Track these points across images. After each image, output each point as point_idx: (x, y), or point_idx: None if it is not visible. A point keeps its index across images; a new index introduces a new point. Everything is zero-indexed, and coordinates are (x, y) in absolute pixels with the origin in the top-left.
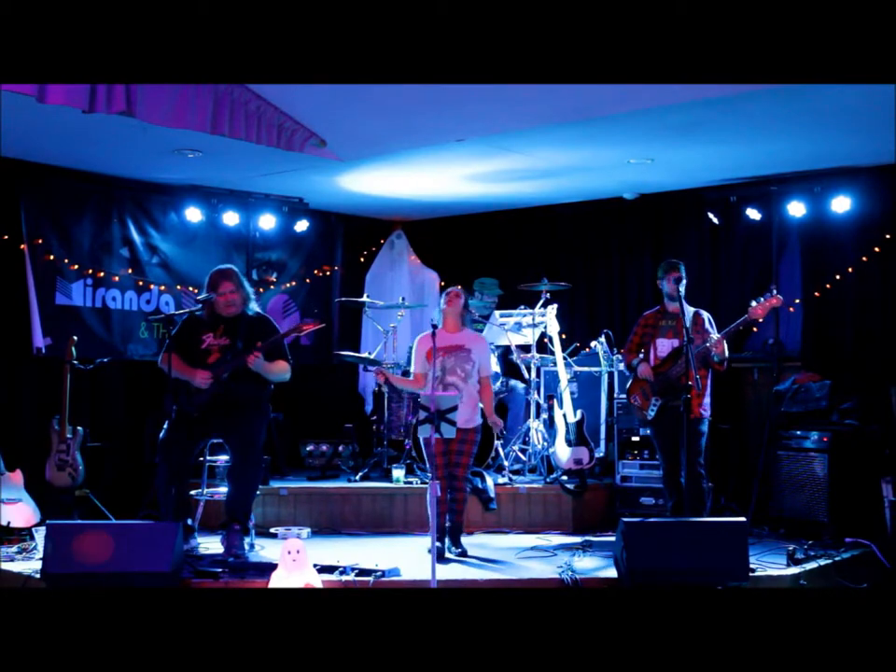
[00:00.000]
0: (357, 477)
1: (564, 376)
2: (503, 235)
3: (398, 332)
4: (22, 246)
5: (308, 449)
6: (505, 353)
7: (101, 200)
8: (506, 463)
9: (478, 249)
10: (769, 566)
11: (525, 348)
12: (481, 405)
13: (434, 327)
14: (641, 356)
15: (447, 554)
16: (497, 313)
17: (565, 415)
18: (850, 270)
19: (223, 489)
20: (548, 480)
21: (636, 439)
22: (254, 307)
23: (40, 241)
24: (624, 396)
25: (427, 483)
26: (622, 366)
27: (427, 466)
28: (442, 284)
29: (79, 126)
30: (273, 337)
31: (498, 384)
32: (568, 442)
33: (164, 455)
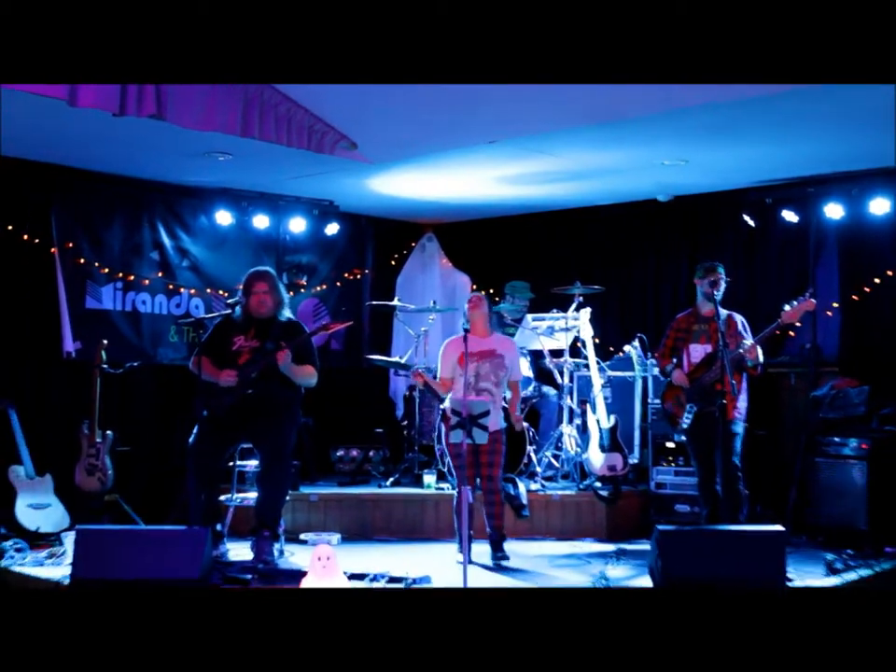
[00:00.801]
0: (388, 483)
1: (597, 381)
2: (535, 238)
3: (429, 336)
4: (53, 250)
5: (338, 454)
6: (537, 357)
7: (131, 203)
8: (538, 469)
9: (510, 252)
10: (807, 575)
11: (557, 353)
12: (504, 405)
13: (466, 331)
14: (675, 361)
15: (488, 561)
16: (529, 316)
17: (598, 421)
18: (889, 273)
19: (253, 494)
20: (581, 486)
21: (670, 445)
22: (287, 314)
23: (71, 245)
24: (659, 401)
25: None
26: (656, 370)
27: (454, 473)
28: (474, 287)
29: (109, 129)
30: (301, 336)
31: (531, 389)
32: (602, 448)
33: (194, 460)
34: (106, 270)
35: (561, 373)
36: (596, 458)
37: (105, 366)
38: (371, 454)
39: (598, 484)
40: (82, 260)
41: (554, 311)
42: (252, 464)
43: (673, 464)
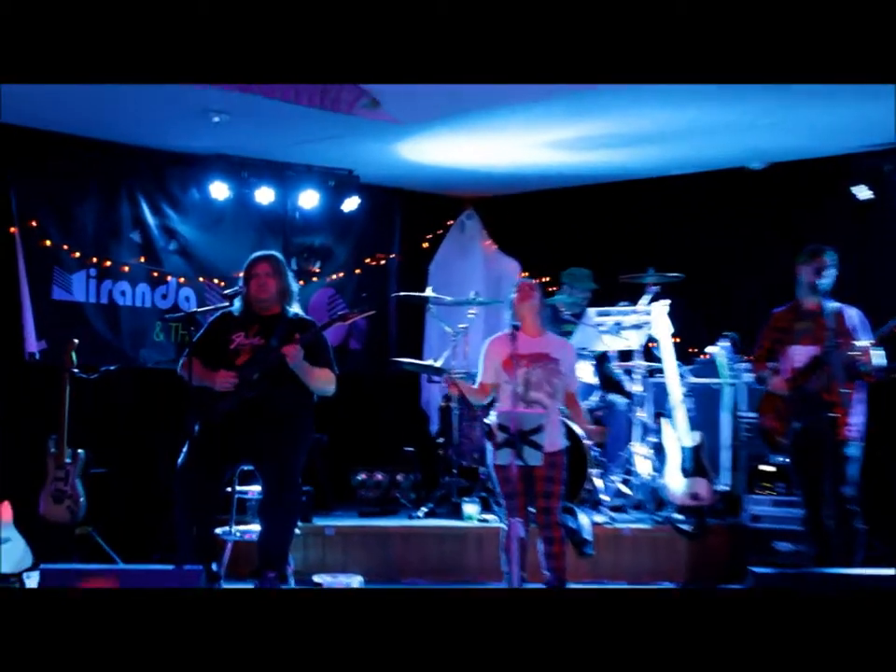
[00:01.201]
0: (421, 513)
1: (677, 390)
2: (598, 215)
3: (469, 335)
4: (12, 230)
5: (360, 478)
6: (601, 360)
7: (107, 173)
8: (605, 497)
9: (567, 233)
10: None
11: (626, 355)
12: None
13: (515, 328)
14: (773, 365)
15: None
16: (591, 311)
17: (678, 438)
18: None
19: (256, 527)
20: (657, 519)
21: (768, 468)
22: (296, 309)
23: (34, 223)
24: (753, 415)
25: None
26: (749, 377)
27: (502, 502)
28: (525, 275)
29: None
30: (313, 329)
31: (594, 399)
32: (683, 472)
33: (184, 485)
34: (77, 254)
35: (631, 380)
36: (676, 484)
37: (75, 370)
38: (399, 478)
39: (678, 516)
40: (48, 242)
41: (623, 304)
42: (255, 490)
43: (771, 492)
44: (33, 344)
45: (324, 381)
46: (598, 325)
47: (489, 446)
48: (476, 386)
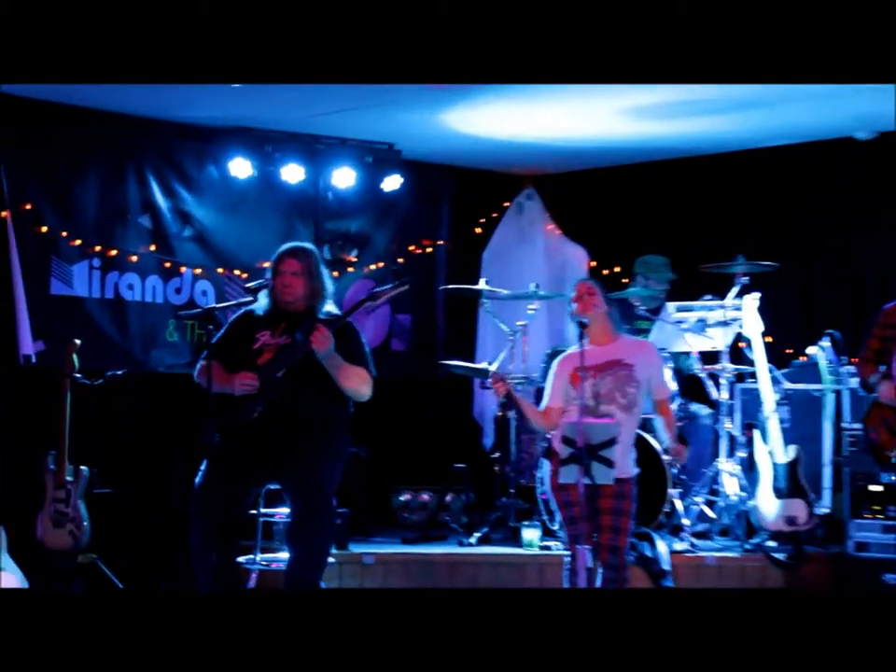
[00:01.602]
0: (473, 539)
1: (770, 397)
2: (679, 195)
3: (528, 333)
4: (3, 214)
5: (403, 499)
6: (682, 363)
7: (112, 149)
8: (686, 521)
9: (642, 215)
10: None
11: (711, 357)
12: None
13: (582, 326)
14: (882, 369)
15: None
16: (670, 305)
17: (771, 453)
18: None
19: (284, 555)
20: (747, 546)
21: (877, 488)
22: (330, 307)
23: (28, 206)
24: (859, 426)
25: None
26: (854, 382)
27: (566, 526)
28: (593, 264)
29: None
30: (342, 316)
31: (673, 408)
32: (777, 493)
33: (202, 507)
34: (79, 241)
35: (717, 385)
36: (769, 507)
37: (77, 375)
38: (448, 498)
39: (772, 543)
40: (45, 229)
41: (707, 297)
42: (283, 512)
43: (880, 516)
44: (28, 346)
45: (358, 381)
46: (678, 322)
47: (547, 464)
48: (542, 409)
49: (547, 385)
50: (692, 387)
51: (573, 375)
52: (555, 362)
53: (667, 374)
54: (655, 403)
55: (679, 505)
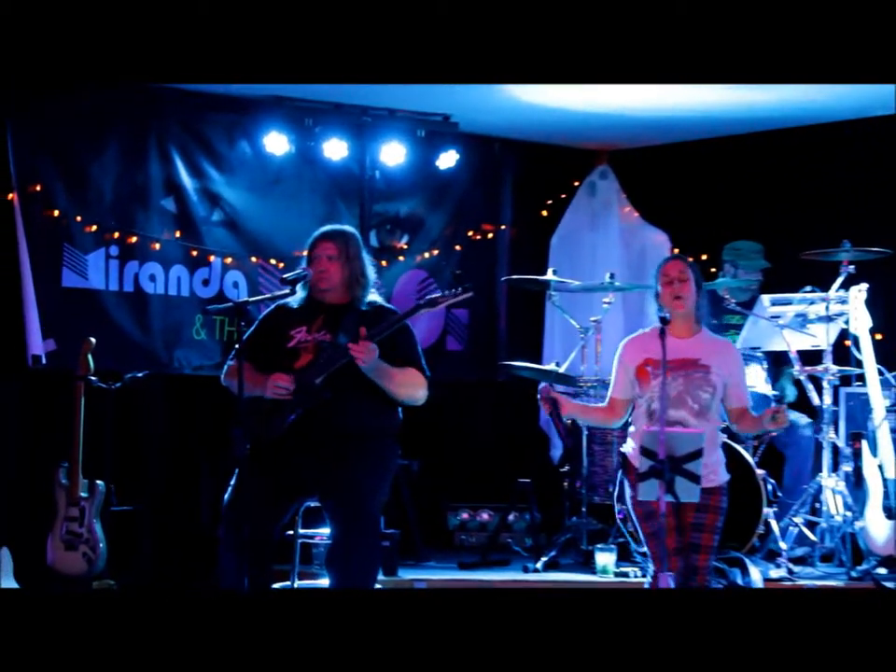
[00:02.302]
0: (539, 565)
1: (879, 402)
2: (773, 171)
3: (602, 330)
4: (11, 197)
5: (459, 518)
6: (777, 363)
7: (131, 121)
8: (783, 545)
9: (731, 195)
10: None
11: (812, 357)
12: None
13: (664, 321)
14: None
15: None
16: (765, 298)
17: (881, 467)
18: None
19: (324, 581)
20: (853, 574)
21: None
22: (374, 297)
23: (38, 188)
24: None
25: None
26: None
27: (647, 550)
28: (676, 251)
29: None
30: (390, 319)
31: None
32: (887, 512)
33: (232, 527)
34: (94, 227)
35: (819, 390)
36: (879, 528)
37: (92, 378)
38: (510, 518)
39: (882, 571)
40: (56, 213)
41: (807, 289)
42: (323, 532)
43: None
44: (38, 345)
45: (411, 385)
46: (774, 317)
47: (625, 480)
48: (604, 403)
49: (613, 370)
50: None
51: (641, 369)
52: (622, 343)
53: (757, 376)
54: (730, 413)
55: (775, 526)
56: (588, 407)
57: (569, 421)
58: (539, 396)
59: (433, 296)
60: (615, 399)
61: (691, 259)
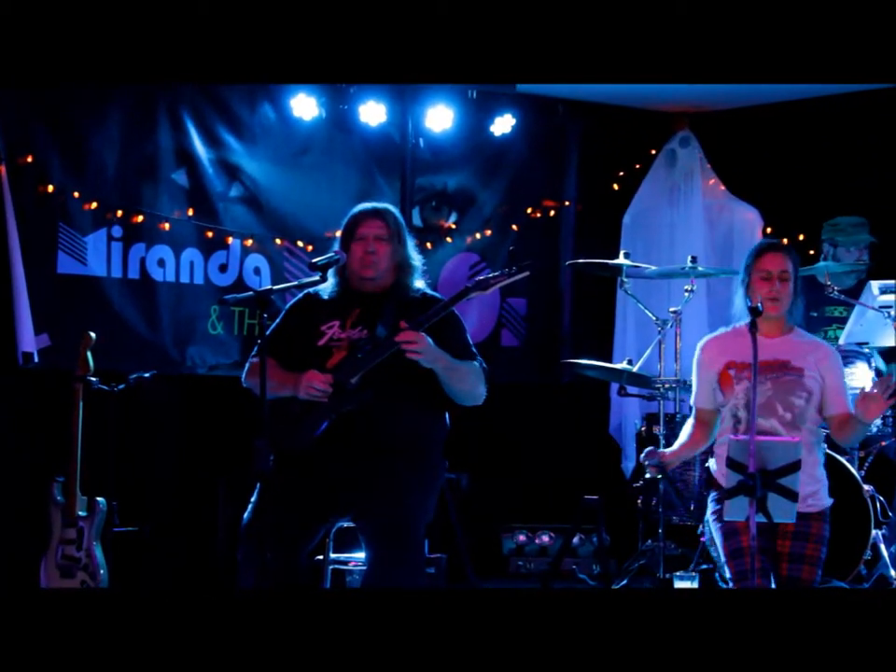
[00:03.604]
0: None
1: None
2: (884, 136)
3: (683, 323)
4: None
5: (516, 541)
6: (889, 361)
7: (137, 84)
8: (894, 574)
9: (832, 165)
10: None
11: None
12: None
13: (755, 312)
14: None
15: None
16: (874, 284)
17: None
18: None
19: None
20: None
21: None
22: (419, 284)
23: (30, 159)
24: None
25: None
26: None
27: (732, 577)
28: (768, 231)
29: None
30: (437, 306)
31: (877, 421)
32: None
33: (252, 550)
34: (94, 204)
35: None
36: None
37: (92, 379)
38: (575, 541)
39: None
40: (51, 188)
41: None
42: (357, 558)
43: None
44: (30, 341)
45: (473, 379)
46: (885, 307)
47: (710, 498)
48: (691, 421)
49: (692, 378)
50: None
51: (724, 374)
52: (700, 346)
53: (865, 376)
54: (831, 423)
55: (884, 551)
56: (686, 443)
57: (643, 427)
58: (643, 461)
59: (485, 277)
60: (701, 411)
61: (792, 250)
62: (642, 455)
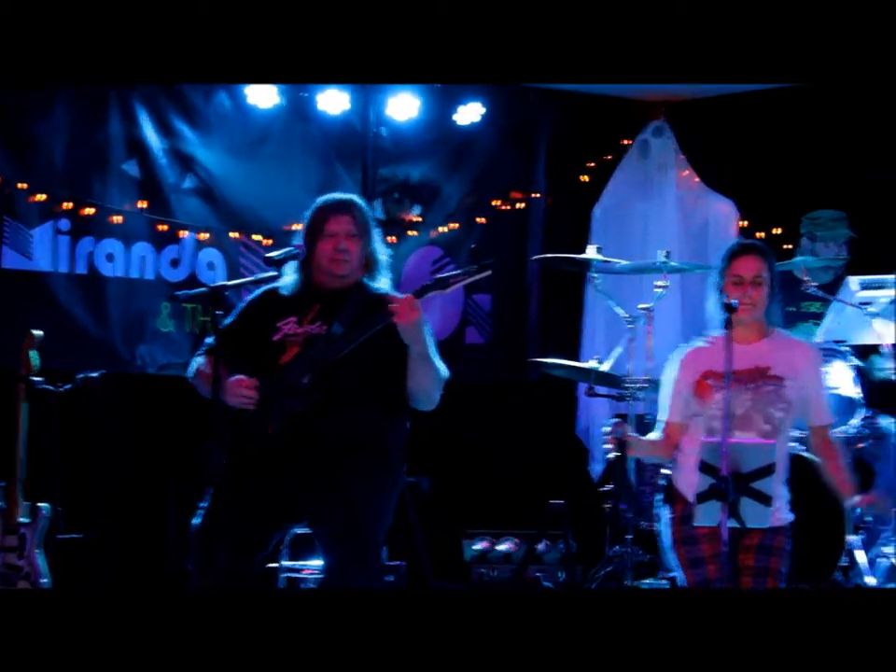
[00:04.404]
0: None
1: None
2: (863, 127)
3: (654, 321)
4: None
5: (479, 548)
6: (869, 361)
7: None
8: (870, 580)
9: (811, 156)
10: None
11: None
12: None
13: (730, 309)
14: None
15: None
16: (852, 280)
17: None
18: None
19: None
20: None
21: None
22: (384, 281)
23: None
24: None
25: None
26: None
27: (684, 570)
28: (744, 224)
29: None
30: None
31: (855, 423)
32: None
33: (203, 558)
34: (41, 196)
35: None
36: None
37: (37, 379)
38: (540, 547)
39: None
40: None
41: None
42: (314, 565)
43: None
44: None
45: (435, 380)
46: (864, 303)
47: (666, 511)
48: (657, 434)
49: (663, 391)
50: (882, 394)
51: (700, 383)
52: (677, 358)
53: (844, 377)
54: (814, 432)
55: (861, 558)
56: (648, 441)
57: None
58: (607, 434)
59: (444, 275)
60: (672, 425)
61: (767, 251)
62: (606, 424)
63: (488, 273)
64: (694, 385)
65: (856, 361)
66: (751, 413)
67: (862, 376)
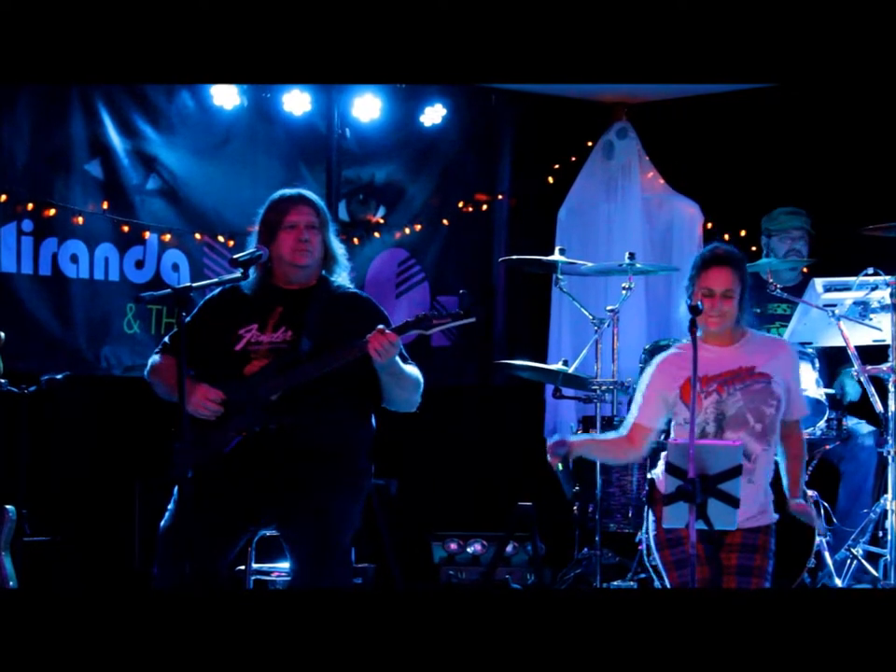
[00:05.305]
0: None
1: None
2: (830, 129)
3: (619, 323)
4: None
5: (447, 550)
6: (833, 361)
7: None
8: (838, 582)
9: (776, 158)
10: None
11: (875, 352)
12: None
13: (695, 311)
14: None
15: None
16: (817, 282)
17: None
18: None
19: None
20: None
21: None
22: (343, 280)
23: None
24: None
25: None
26: None
27: (667, 573)
28: (709, 226)
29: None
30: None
31: (821, 425)
32: None
33: (168, 561)
34: (2, 197)
35: (882, 394)
36: None
37: (0, 381)
38: (509, 549)
39: None
40: None
41: (870, 271)
42: (281, 568)
43: None
44: None
45: (412, 387)
46: (829, 305)
47: (651, 515)
48: (620, 432)
49: (638, 392)
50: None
51: (686, 388)
52: (656, 362)
53: (808, 377)
54: (785, 428)
55: (828, 559)
56: (600, 439)
57: (580, 431)
58: (549, 448)
59: (426, 314)
60: (639, 427)
61: (738, 261)
62: (550, 441)
63: (472, 320)
64: (681, 392)
65: (820, 363)
66: (744, 412)
67: (834, 402)
